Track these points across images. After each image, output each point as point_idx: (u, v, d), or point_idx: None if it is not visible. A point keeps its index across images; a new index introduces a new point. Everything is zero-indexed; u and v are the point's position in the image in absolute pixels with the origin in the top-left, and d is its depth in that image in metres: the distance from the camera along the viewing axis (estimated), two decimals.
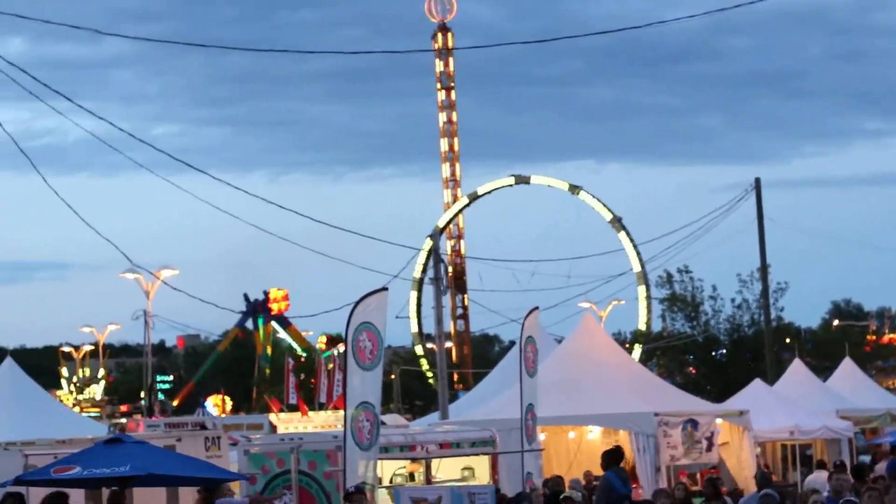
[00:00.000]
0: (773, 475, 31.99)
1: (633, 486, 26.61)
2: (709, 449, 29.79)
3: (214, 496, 16.43)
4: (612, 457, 21.93)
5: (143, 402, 76.03)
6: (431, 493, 16.18)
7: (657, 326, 70.03)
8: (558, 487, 22.04)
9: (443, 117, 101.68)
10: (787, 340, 63.73)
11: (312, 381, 60.30)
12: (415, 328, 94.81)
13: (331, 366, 48.70)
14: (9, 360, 38.33)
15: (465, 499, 15.31)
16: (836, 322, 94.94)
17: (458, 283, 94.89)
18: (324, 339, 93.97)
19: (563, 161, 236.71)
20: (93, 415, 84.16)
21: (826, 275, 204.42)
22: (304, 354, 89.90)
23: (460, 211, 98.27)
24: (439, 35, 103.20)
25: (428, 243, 60.46)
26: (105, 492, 20.20)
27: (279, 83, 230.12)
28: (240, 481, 22.08)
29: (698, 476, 30.41)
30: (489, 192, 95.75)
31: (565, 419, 30.21)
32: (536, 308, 28.08)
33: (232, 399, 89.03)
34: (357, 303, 21.16)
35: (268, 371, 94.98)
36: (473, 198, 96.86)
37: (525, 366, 26.37)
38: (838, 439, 35.81)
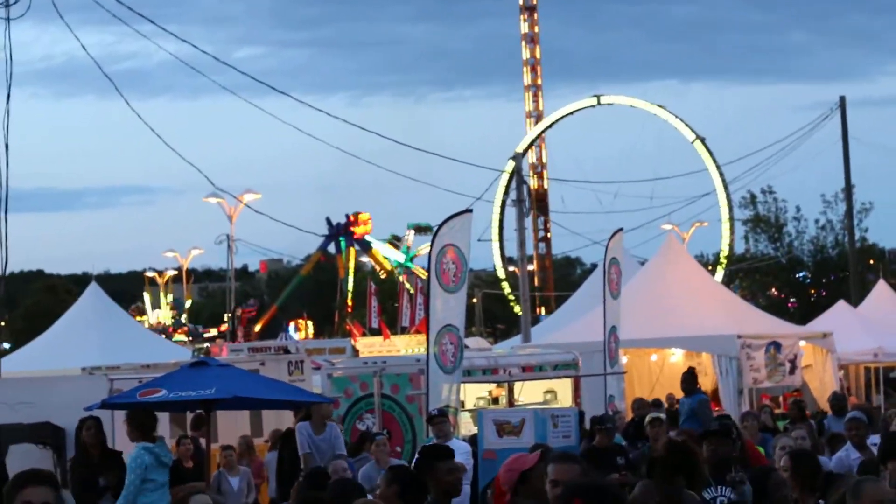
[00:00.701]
0: (852, 397, 31.75)
1: (716, 409, 26.54)
2: (791, 371, 29.64)
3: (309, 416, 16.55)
4: (694, 379, 21.95)
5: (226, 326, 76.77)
6: (514, 415, 16.18)
7: (740, 248, 69.58)
8: (643, 411, 21.99)
9: (525, 46, 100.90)
10: (872, 262, 63.10)
11: (395, 304, 60.56)
12: (497, 251, 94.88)
13: (409, 287, 48.84)
14: (93, 286, 38.82)
15: (548, 421, 15.30)
16: None
17: (541, 206, 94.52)
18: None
19: (647, 81, 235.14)
20: (177, 339, 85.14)
21: None
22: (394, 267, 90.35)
23: (543, 132, 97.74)
24: None
25: (510, 165, 60.21)
26: (189, 415, 20.47)
27: (365, 3, 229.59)
28: None
29: (781, 399, 30.28)
30: (571, 114, 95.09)
31: (648, 342, 30.16)
32: (621, 229, 27.95)
33: (314, 323, 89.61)
34: (441, 225, 21.14)
35: (350, 295, 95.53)
36: (555, 119, 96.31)
37: (609, 288, 26.29)
38: None
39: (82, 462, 15.31)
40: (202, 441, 16.68)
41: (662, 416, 16.91)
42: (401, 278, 74.99)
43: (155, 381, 15.88)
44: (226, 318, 76.75)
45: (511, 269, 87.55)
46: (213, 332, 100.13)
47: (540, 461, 9.24)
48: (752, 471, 10.74)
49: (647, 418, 17.43)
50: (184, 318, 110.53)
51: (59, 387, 20.96)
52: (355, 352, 42.14)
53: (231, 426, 20.87)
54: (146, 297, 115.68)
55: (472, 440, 17.19)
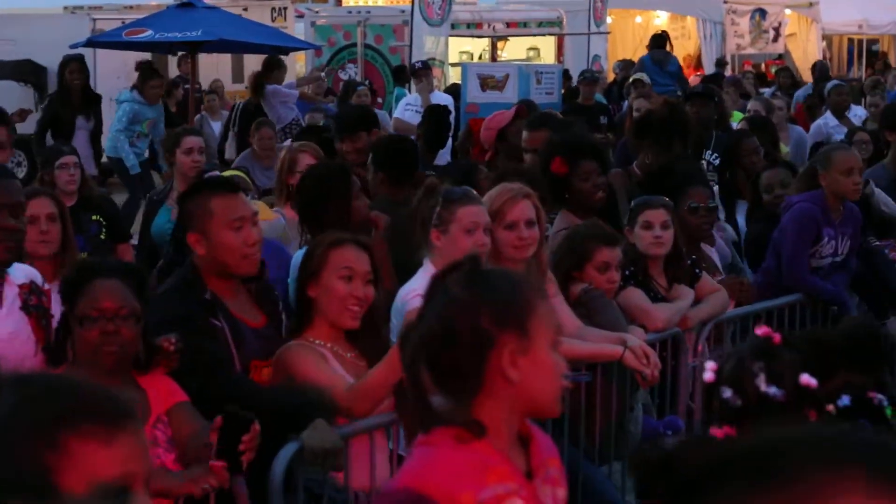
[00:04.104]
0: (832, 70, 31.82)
1: (696, 73, 26.60)
2: (775, 39, 29.62)
3: (271, 74, 16.43)
4: (656, 40, 21.69)
5: None
6: (499, 70, 16.19)
7: None
8: (627, 72, 21.99)
9: None
10: None
11: None
12: None
13: None
14: None
15: (532, 77, 15.31)
16: None
17: None
18: None
19: None
20: None
21: None
22: None
23: None
24: None
25: None
26: (173, 60, 20.43)
27: None
28: (305, 55, 22.19)
29: (763, 66, 30.33)
30: None
31: (633, 2, 29.95)
32: None
33: None
34: None
35: None
36: None
37: None
38: None
39: (63, 102, 15.33)
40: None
41: (646, 77, 16.93)
42: None
43: (141, 20, 15.77)
44: None
45: None
46: None
47: (517, 118, 9.33)
48: (725, 135, 10.84)
49: (631, 78, 17.49)
50: None
51: (40, 24, 20.78)
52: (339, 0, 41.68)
53: (212, 71, 20.84)
54: None
55: (451, 90, 17.20)
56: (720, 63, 26.60)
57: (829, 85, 15.79)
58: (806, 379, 2.22)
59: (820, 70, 23.09)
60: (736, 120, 12.87)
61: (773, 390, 2.26)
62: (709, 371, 2.23)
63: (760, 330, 2.40)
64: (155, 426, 4.61)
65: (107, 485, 2.03)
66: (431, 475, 2.93)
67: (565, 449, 6.00)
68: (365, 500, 5.01)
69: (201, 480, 4.29)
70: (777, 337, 2.28)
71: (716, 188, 9.23)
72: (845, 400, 2.20)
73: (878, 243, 8.76)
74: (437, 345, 3.00)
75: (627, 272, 6.65)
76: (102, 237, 8.24)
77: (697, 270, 7.10)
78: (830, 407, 2.31)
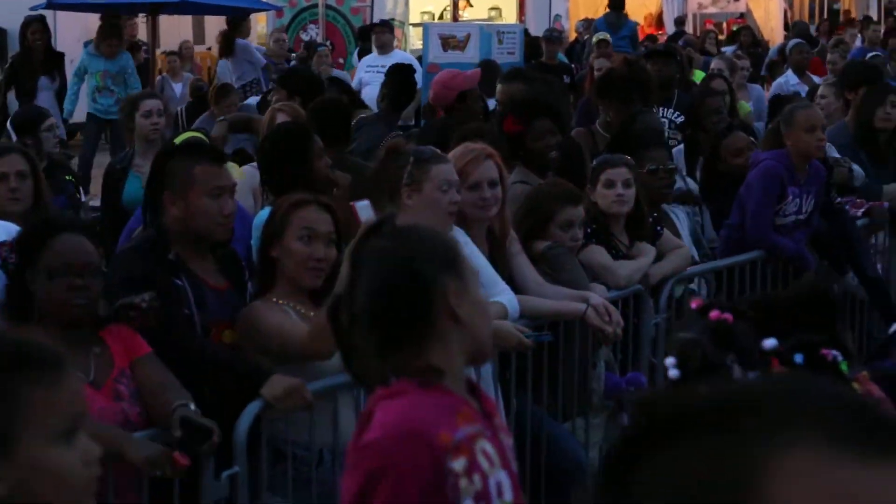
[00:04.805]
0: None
1: (659, 32, 26.60)
2: None
3: (239, 31, 16.37)
4: (614, 1, 21.55)
5: None
6: (460, 30, 16.15)
7: None
8: (588, 31, 21.94)
9: None
10: None
11: None
12: None
13: None
14: None
15: (493, 37, 15.29)
16: None
17: None
18: None
19: None
20: None
21: None
22: None
23: None
24: None
25: None
26: (141, 20, 20.29)
27: None
28: (266, 16, 22.08)
29: (724, 25, 30.33)
30: None
31: None
32: None
33: None
34: None
35: None
36: None
37: None
38: None
39: (24, 63, 15.24)
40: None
41: (609, 37, 16.89)
42: None
43: None
44: None
45: None
46: None
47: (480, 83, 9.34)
48: (688, 94, 10.86)
49: (595, 38, 17.46)
50: None
51: None
52: None
53: (174, 33, 20.73)
54: None
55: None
56: (679, 21, 26.55)
57: (791, 43, 15.83)
58: (768, 344, 2.23)
59: (798, 27, 23.13)
60: (697, 79, 12.87)
61: (750, 376, 2.27)
62: (672, 369, 2.22)
63: (696, 304, 2.36)
64: (118, 380, 4.62)
65: (58, 425, 2.10)
66: (407, 421, 2.97)
67: (529, 406, 6.04)
68: (329, 457, 5.04)
69: (158, 467, 4.36)
70: (729, 316, 2.27)
71: (681, 147, 9.27)
72: (798, 358, 2.21)
73: (840, 200, 8.83)
74: (380, 301, 3.05)
75: (589, 230, 6.68)
76: (79, 196, 8.27)
77: (659, 228, 7.13)
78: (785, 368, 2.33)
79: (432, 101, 9.33)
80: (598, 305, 6.01)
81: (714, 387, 1.26)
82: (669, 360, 2.24)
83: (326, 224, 5.16)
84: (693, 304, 2.31)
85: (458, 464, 2.95)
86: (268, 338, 5.00)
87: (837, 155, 9.08)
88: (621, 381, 6.38)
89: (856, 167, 9.05)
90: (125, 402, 4.61)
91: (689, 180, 8.59)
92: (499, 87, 9.23)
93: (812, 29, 31.99)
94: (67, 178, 8.31)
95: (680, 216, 7.88)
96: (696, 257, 7.75)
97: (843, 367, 2.23)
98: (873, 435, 1.17)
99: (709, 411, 1.20)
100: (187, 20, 21.84)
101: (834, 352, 2.23)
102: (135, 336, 4.72)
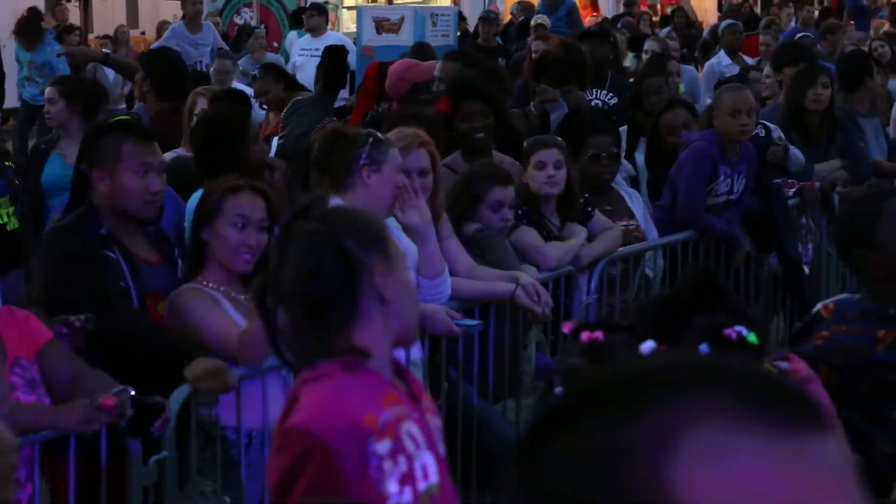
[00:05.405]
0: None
1: (593, 14, 26.61)
2: None
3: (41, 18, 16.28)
4: None
5: None
6: (394, 12, 16.13)
7: None
8: (526, 14, 21.79)
9: None
10: None
11: None
12: None
13: None
14: None
15: (427, 19, 15.27)
16: None
17: None
18: None
19: None
20: None
21: None
22: None
23: None
24: None
25: None
26: (74, 7, 20.13)
27: None
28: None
29: (658, 7, 30.41)
30: None
31: None
32: None
33: None
34: None
35: None
36: None
37: None
38: None
39: None
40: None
41: (547, 20, 16.92)
42: None
43: None
44: None
45: None
46: None
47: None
48: (621, 75, 10.91)
49: (533, 22, 17.46)
50: None
51: None
52: None
53: (107, 16, 20.57)
54: None
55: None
56: (629, 2, 26.52)
57: (723, 24, 15.89)
58: (646, 347, 2.17)
59: (739, 9, 23.24)
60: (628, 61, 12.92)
61: None
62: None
63: (567, 328, 2.27)
64: (11, 371, 4.56)
65: None
66: (332, 404, 2.98)
67: (460, 388, 6.05)
68: (259, 439, 5.03)
69: (94, 421, 4.33)
70: (599, 335, 2.20)
71: (623, 129, 9.29)
72: (704, 347, 2.21)
73: (776, 181, 8.86)
74: (307, 281, 3.05)
75: (520, 211, 6.69)
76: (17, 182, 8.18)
77: (590, 209, 7.15)
78: None
79: (388, 90, 9.25)
80: (527, 285, 6.03)
81: (626, 363, 1.27)
82: (558, 390, 2.21)
83: (259, 210, 5.16)
84: (565, 329, 2.24)
85: (383, 446, 2.96)
86: (196, 332, 4.99)
87: (782, 135, 9.09)
88: (552, 362, 6.40)
89: (795, 150, 9.07)
90: (20, 392, 4.52)
91: (625, 163, 8.60)
92: (438, 64, 9.20)
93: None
94: (7, 163, 8.23)
95: (632, 195, 7.90)
96: (656, 234, 7.78)
97: (752, 338, 2.23)
98: (776, 407, 1.18)
99: (616, 388, 1.21)
100: (120, 4, 21.66)
101: (737, 328, 2.23)
102: (34, 323, 4.64)
